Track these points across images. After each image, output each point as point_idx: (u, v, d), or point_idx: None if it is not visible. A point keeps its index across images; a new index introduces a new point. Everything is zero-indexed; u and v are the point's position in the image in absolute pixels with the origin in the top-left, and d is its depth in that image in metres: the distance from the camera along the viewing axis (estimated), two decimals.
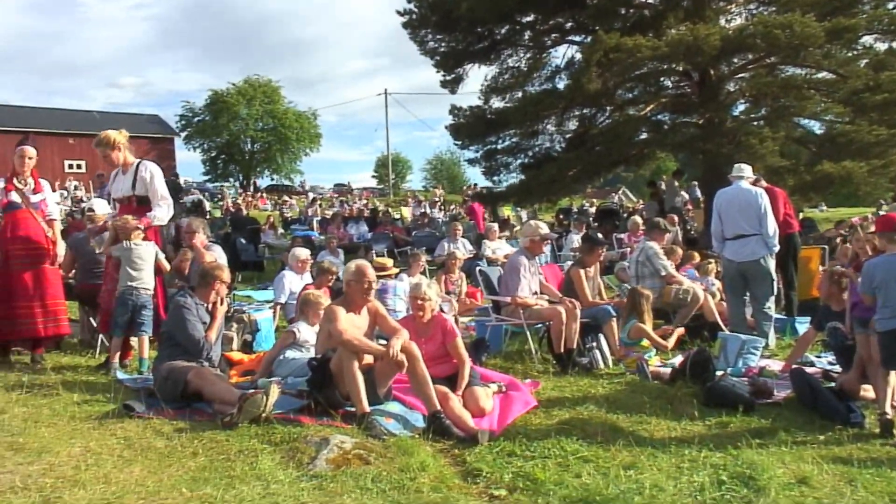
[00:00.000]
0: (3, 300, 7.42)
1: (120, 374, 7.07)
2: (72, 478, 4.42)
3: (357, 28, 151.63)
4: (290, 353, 7.08)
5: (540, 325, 8.72)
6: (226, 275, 6.88)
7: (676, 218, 18.10)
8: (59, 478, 4.42)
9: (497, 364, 8.14)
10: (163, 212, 7.78)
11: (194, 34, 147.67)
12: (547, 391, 7.08)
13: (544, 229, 9.12)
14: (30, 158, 7.68)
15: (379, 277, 8.01)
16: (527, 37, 21.07)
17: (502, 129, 20.48)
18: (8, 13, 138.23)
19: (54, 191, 9.25)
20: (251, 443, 5.13)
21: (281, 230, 25.34)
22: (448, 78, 21.49)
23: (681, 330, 8.63)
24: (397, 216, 30.72)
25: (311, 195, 53.04)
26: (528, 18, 20.48)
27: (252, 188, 62.99)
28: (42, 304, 7.53)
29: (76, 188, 37.98)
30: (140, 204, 7.69)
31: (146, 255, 7.46)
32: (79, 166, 52.35)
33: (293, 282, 10.01)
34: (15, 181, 7.67)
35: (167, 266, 7.89)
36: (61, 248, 7.87)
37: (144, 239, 7.51)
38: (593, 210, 29.72)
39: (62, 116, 59.04)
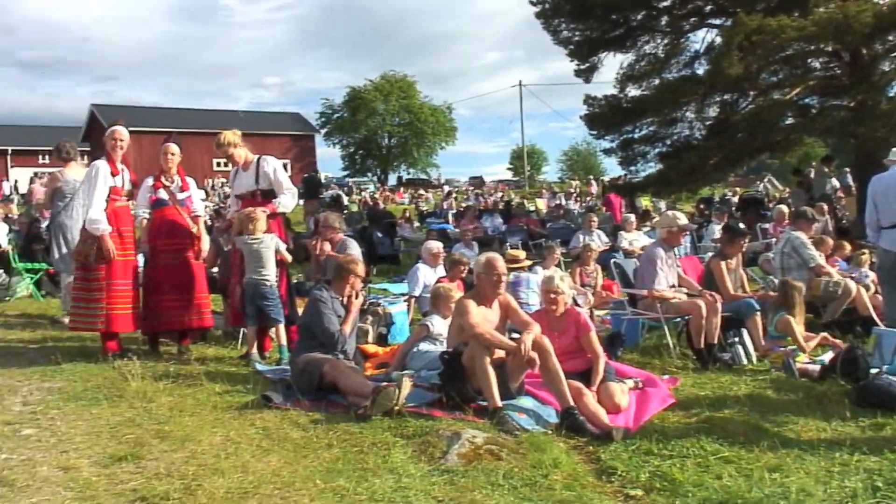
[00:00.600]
0: (151, 293, 7.76)
1: (259, 366, 7.27)
2: (212, 466, 4.55)
3: (491, 21, 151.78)
4: (423, 346, 7.12)
5: (678, 319, 8.48)
6: (360, 269, 6.97)
7: (826, 207, 17.26)
8: (200, 465, 4.56)
9: (633, 359, 7.95)
10: (288, 199, 7.96)
11: (333, 33, 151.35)
12: (686, 388, 6.86)
13: (682, 220, 8.85)
14: (172, 154, 7.99)
15: (512, 270, 7.97)
16: (664, 22, 20.64)
17: (639, 118, 20.13)
18: (159, 20, 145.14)
19: (200, 188, 9.58)
20: (384, 435, 5.17)
21: (417, 223, 25.61)
22: (582, 67, 21.27)
23: (823, 334, 8.20)
24: (532, 208, 30.56)
25: (446, 188, 53.43)
26: (665, 3, 20.07)
27: (391, 182, 63.82)
28: (187, 297, 7.83)
29: (223, 185, 39.41)
30: (264, 197, 7.89)
31: (266, 248, 7.61)
32: (225, 164, 54.00)
33: (427, 275, 10.07)
34: (163, 179, 7.99)
35: (289, 258, 8.03)
36: (205, 243, 8.17)
37: (266, 231, 7.68)
38: (736, 199, 28.81)
39: (210, 116, 61.44)
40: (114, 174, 7.60)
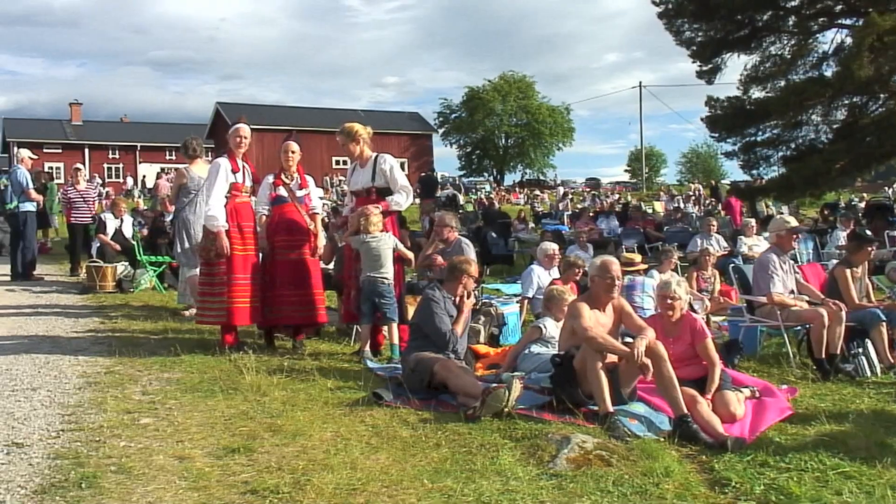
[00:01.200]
0: (269, 288, 7.89)
1: (370, 363, 7.31)
2: (322, 461, 4.58)
3: (610, 21, 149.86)
4: (535, 348, 7.03)
5: (799, 328, 8.17)
6: (473, 269, 6.93)
7: None
8: (310, 461, 4.60)
9: (751, 367, 7.68)
10: (402, 198, 7.97)
11: (452, 34, 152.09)
12: (805, 399, 6.58)
13: (792, 222, 8.51)
14: (293, 153, 8.12)
15: (627, 273, 7.81)
16: (791, 22, 20.02)
17: (762, 121, 19.60)
18: (283, 20, 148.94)
19: (318, 185, 9.72)
20: (493, 437, 5.12)
21: (531, 224, 25.49)
22: (705, 68, 20.83)
23: None
24: (650, 211, 30.06)
25: (561, 189, 53.08)
26: (793, 3, 19.48)
27: (507, 182, 63.88)
28: (303, 293, 7.92)
29: (341, 182, 40.09)
30: (379, 195, 7.93)
31: (384, 246, 7.63)
32: (345, 162, 55.28)
33: (541, 276, 9.97)
34: (282, 176, 8.13)
35: (410, 255, 8.03)
36: (322, 240, 8.27)
37: (382, 230, 7.71)
38: (862, 205, 27.67)
39: (330, 115, 62.57)
40: (234, 171, 7.77)
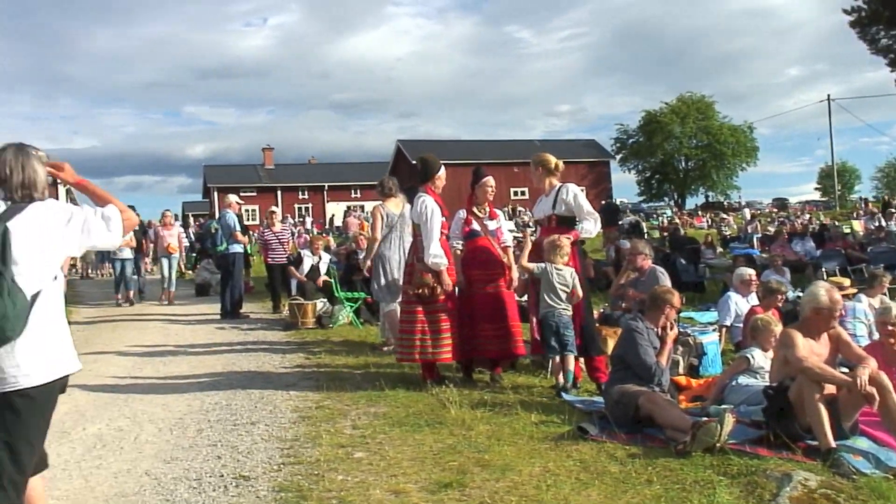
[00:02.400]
0: (466, 322, 7.98)
1: (567, 396, 7.24)
2: (534, 497, 4.58)
3: (789, 35, 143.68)
4: (742, 380, 6.76)
5: None
6: (676, 299, 6.79)
7: None
8: (522, 496, 4.61)
9: None
10: (591, 225, 7.93)
11: (625, 58, 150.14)
12: None
13: None
14: (491, 188, 8.31)
15: None
16: None
17: None
18: (455, 56, 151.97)
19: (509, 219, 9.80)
20: (706, 473, 4.96)
21: (720, 248, 24.71)
22: None
23: None
24: (847, 230, 28.54)
25: (747, 211, 51.27)
26: None
27: (689, 206, 62.45)
28: (500, 325, 7.97)
29: (520, 213, 40.28)
30: (560, 224, 7.89)
31: (566, 279, 7.58)
32: (523, 193, 55.72)
33: (739, 303, 9.64)
34: (475, 210, 8.26)
35: (580, 294, 7.86)
36: (515, 273, 8.32)
37: (566, 263, 7.65)
38: None
39: (508, 147, 63.30)
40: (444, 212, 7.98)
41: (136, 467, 5.51)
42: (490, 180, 8.31)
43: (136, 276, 18.74)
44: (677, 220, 42.11)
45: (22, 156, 3.59)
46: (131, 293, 18.12)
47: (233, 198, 15.42)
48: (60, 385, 3.52)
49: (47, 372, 3.41)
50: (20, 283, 3.31)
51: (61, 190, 32.76)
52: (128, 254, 17.57)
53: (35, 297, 3.37)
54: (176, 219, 21.86)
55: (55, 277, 3.53)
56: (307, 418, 6.70)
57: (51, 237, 3.48)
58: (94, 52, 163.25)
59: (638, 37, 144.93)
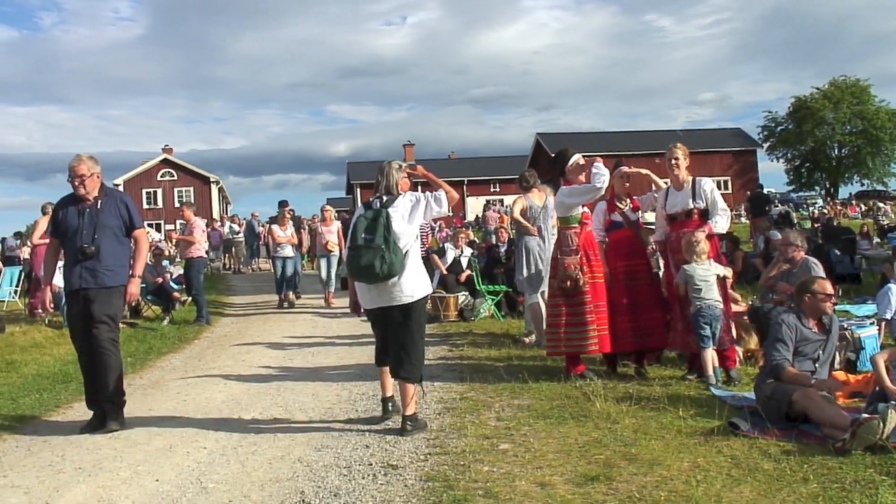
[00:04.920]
0: (612, 314, 7.88)
1: (716, 391, 7.04)
2: (683, 493, 4.48)
3: None
4: None
5: None
6: (818, 285, 6.50)
7: None
8: (671, 491, 4.51)
9: None
10: (723, 220, 7.77)
11: (770, 43, 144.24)
12: None
13: None
14: (627, 179, 8.23)
15: None
16: None
17: None
18: (593, 47, 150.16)
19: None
20: (867, 472, 4.73)
21: (877, 239, 23.57)
22: None
23: None
24: None
25: None
26: None
27: (842, 195, 59.79)
28: (645, 317, 7.87)
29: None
30: (701, 217, 7.75)
31: (710, 274, 7.43)
32: (666, 184, 54.51)
33: None
34: (616, 202, 8.16)
35: (729, 272, 7.66)
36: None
37: (707, 257, 7.50)
38: None
39: (649, 137, 62.05)
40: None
41: (289, 454, 5.69)
42: (625, 170, 8.34)
43: (296, 277, 17.28)
44: (826, 210, 40.45)
45: (386, 168, 6.21)
46: (292, 295, 16.65)
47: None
48: (424, 301, 6.23)
49: (415, 293, 6.05)
50: (399, 244, 5.91)
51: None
52: (290, 251, 16.68)
53: (406, 252, 5.98)
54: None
55: (416, 237, 6.19)
56: (451, 409, 6.78)
57: (410, 215, 6.09)
58: (243, 55, 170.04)
59: (786, 20, 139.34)
